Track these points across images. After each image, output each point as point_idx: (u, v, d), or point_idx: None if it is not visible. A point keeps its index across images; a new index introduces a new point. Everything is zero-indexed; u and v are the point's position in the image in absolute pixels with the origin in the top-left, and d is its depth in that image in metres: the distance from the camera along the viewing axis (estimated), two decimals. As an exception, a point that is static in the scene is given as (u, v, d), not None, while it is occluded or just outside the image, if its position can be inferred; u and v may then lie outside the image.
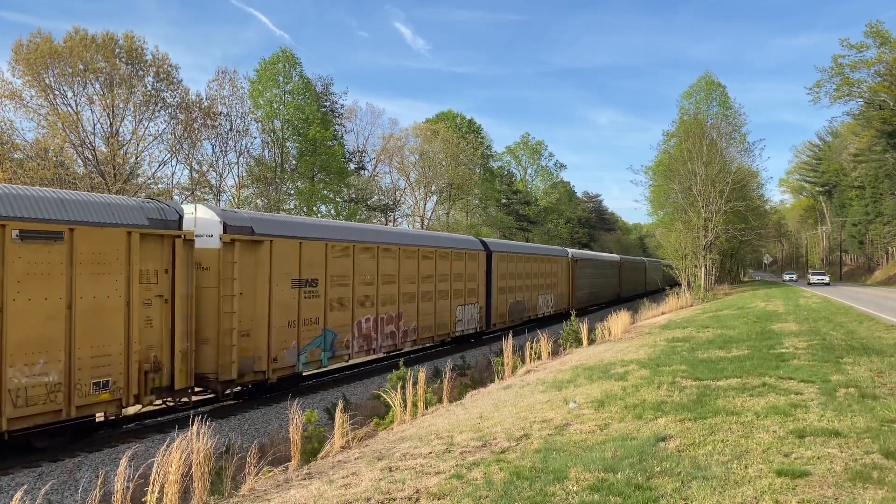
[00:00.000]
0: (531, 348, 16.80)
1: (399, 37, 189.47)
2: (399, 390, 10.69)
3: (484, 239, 26.96)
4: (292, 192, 46.27)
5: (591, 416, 8.18)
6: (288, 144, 45.62)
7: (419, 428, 9.16)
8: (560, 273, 36.56)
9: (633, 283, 60.73)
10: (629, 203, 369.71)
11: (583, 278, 41.07)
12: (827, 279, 63.32)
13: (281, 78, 45.13)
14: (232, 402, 14.60)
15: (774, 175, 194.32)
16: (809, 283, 60.89)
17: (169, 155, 37.03)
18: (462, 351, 23.05)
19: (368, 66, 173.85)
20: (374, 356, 19.69)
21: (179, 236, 12.08)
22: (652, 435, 6.92)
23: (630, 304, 45.58)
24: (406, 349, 20.89)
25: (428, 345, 23.01)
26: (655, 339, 17.33)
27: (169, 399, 12.26)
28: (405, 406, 10.50)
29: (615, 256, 56.80)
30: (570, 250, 40.17)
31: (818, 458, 5.83)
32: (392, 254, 19.04)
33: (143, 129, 35.13)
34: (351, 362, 18.32)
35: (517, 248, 31.00)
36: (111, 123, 33.68)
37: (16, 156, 31.64)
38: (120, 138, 34.15)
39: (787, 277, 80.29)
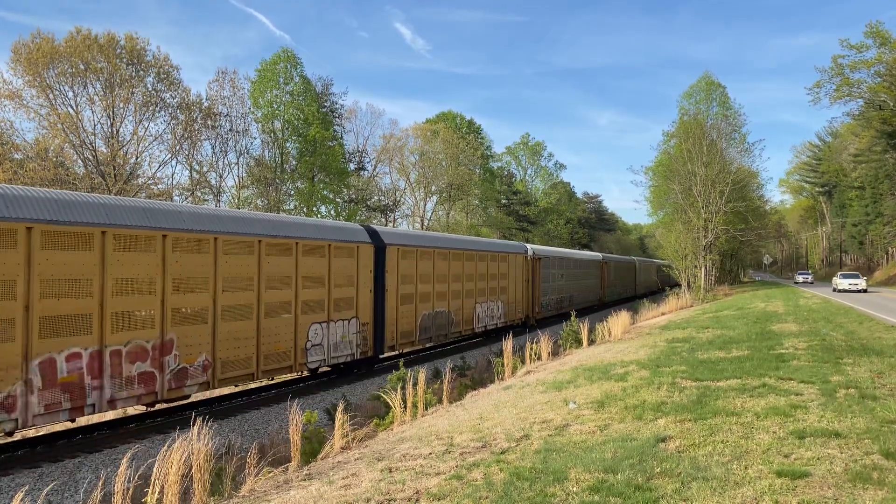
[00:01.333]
0: (531, 349, 16.82)
1: (399, 37, 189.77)
2: (399, 391, 10.70)
3: (376, 227, 19.43)
4: (292, 192, 46.32)
5: (591, 417, 8.18)
6: (288, 145, 45.67)
7: (419, 429, 9.16)
8: (514, 274, 28.94)
9: (620, 285, 53.45)
10: (629, 203, 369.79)
11: (549, 280, 34.01)
12: (863, 284, 44.92)
13: (281, 78, 45.19)
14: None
15: (774, 175, 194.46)
16: (837, 290, 44.68)
17: (169, 155, 37.09)
18: (339, 387, 16.56)
19: (368, 66, 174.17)
20: (103, 415, 12.65)
21: None
22: (652, 436, 6.92)
23: (616, 308, 38.71)
24: (192, 395, 13.22)
25: (252, 385, 15.79)
26: (655, 339, 17.34)
27: None
28: (405, 407, 10.50)
29: (596, 255, 49.02)
30: (529, 246, 32.69)
31: (818, 458, 5.83)
32: (147, 244, 11.56)
33: (143, 130, 35.19)
34: (33, 433, 11.78)
35: (434, 242, 22.64)
36: (111, 124, 33.70)
37: (16, 156, 31.65)
38: (120, 139, 34.17)
39: (800, 279, 67.36)
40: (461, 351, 22.88)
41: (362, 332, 17.58)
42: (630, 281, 58.51)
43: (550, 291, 34.19)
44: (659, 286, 65.12)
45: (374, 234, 18.67)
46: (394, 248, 19.31)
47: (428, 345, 22.75)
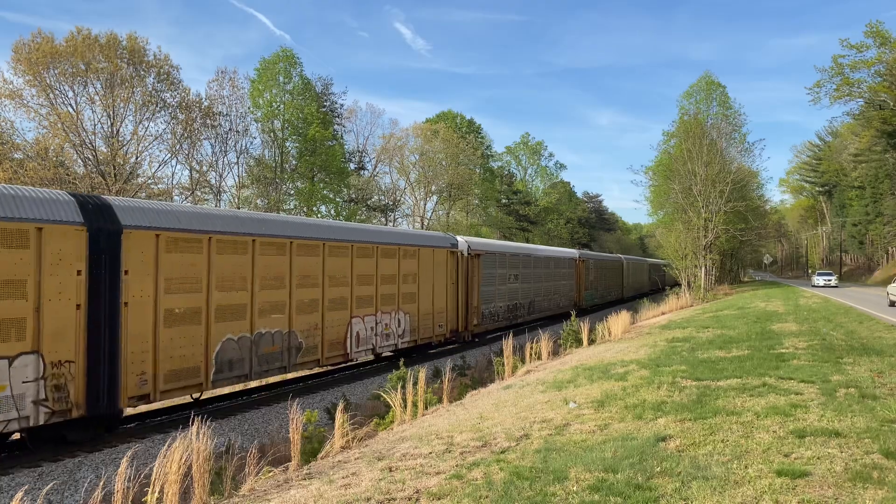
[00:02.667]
0: (531, 348, 16.81)
1: (399, 37, 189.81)
2: (399, 390, 10.70)
3: (111, 199, 11.80)
4: (292, 192, 46.35)
5: (591, 417, 8.18)
6: (288, 144, 45.70)
7: (419, 428, 9.16)
8: (431, 275, 21.26)
9: (602, 287, 46.27)
10: (629, 203, 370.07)
11: (495, 283, 26.82)
12: None
13: (281, 78, 45.20)
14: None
15: (774, 175, 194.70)
16: None
17: (169, 155, 37.10)
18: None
19: (369, 66, 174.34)
20: None
21: None
22: (652, 435, 6.92)
23: (595, 314, 33.83)
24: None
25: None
26: (655, 339, 17.33)
27: None
28: (405, 406, 10.50)
29: (571, 251, 41.69)
30: (462, 238, 24.90)
31: (818, 458, 5.83)
32: None
33: (143, 130, 35.20)
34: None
35: (255, 227, 14.14)
36: (111, 123, 33.70)
37: (16, 156, 31.65)
38: (120, 138, 34.18)
39: (820, 281, 54.90)
40: (317, 390, 16.09)
41: (55, 379, 10.22)
42: (616, 282, 51.92)
43: (497, 297, 27.16)
44: (659, 285, 64.75)
45: (95, 211, 11.04)
46: (146, 235, 11.66)
47: (237, 386, 15.12)
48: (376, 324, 18.21)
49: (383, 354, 19.64)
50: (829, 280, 55.47)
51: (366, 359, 18.96)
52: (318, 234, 16.17)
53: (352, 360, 17.68)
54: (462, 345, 23.99)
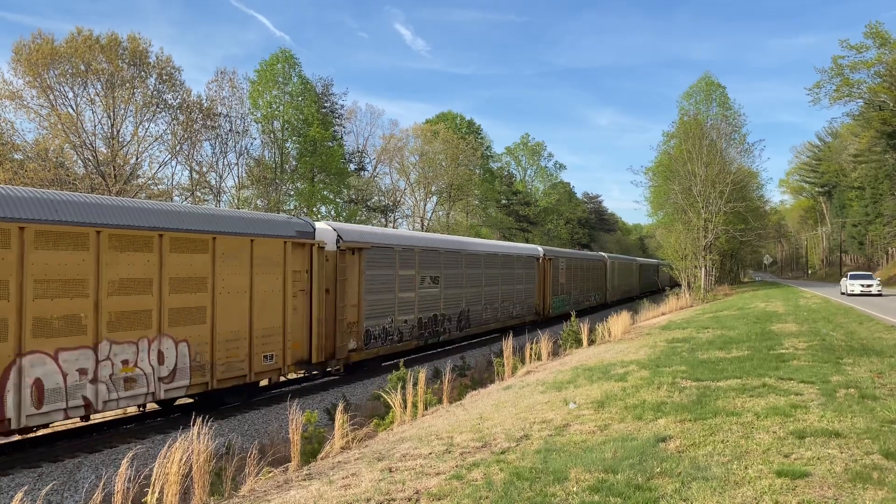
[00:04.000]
0: (531, 349, 16.81)
1: (399, 37, 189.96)
2: (399, 391, 10.70)
3: None
4: (292, 192, 46.36)
5: (591, 417, 8.18)
6: (287, 145, 45.72)
7: (419, 428, 9.16)
8: (245, 279, 13.54)
9: (578, 291, 39.23)
10: (629, 204, 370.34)
11: (395, 289, 19.66)
12: None
13: (280, 79, 45.22)
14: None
15: (774, 175, 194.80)
16: None
17: (169, 156, 37.11)
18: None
19: (368, 66, 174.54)
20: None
21: None
22: (652, 435, 6.92)
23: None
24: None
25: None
26: (655, 339, 17.34)
27: None
28: (405, 407, 10.50)
29: (533, 248, 33.56)
30: (328, 225, 17.53)
31: (818, 458, 5.83)
32: None
33: (143, 131, 35.22)
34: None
35: None
36: (112, 124, 33.72)
37: (16, 156, 31.67)
38: (120, 139, 34.19)
39: (856, 289, 37.66)
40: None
41: None
42: (597, 285, 44.29)
43: (399, 308, 19.81)
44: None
45: None
46: None
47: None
48: (97, 362, 10.60)
49: (165, 404, 12.49)
50: (870, 287, 37.71)
51: (89, 419, 11.27)
52: None
53: (24, 430, 10.10)
54: (327, 382, 17.33)
